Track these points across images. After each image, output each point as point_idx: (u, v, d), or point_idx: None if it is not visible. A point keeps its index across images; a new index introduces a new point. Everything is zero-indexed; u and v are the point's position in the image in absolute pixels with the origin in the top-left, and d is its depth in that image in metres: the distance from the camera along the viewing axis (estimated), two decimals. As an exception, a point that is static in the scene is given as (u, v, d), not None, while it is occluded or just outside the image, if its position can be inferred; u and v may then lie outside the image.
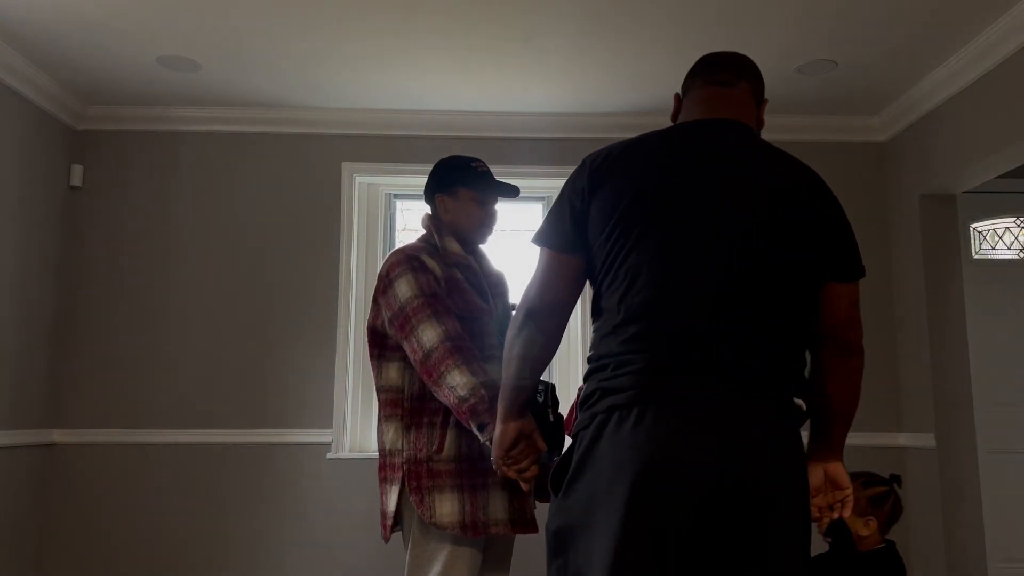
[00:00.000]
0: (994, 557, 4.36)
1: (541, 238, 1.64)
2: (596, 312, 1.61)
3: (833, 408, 1.63)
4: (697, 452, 1.41)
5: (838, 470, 1.68)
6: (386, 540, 2.17)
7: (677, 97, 1.77)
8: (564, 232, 1.60)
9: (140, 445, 4.04)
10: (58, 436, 4.02)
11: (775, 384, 1.49)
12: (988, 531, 4.37)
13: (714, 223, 1.50)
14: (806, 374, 1.63)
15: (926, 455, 3.89)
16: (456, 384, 1.95)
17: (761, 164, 1.56)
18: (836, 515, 1.69)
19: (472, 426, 1.96)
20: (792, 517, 1.45)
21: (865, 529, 2.10)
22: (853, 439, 3.92)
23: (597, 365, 1.55)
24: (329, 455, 4.03)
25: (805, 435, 1.97)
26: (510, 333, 1.70)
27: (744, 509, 1.42)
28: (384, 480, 2.13)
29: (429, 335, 2.01)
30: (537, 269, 1.64)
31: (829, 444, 1.67)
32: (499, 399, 1.79)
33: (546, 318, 1.63)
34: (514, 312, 1.71)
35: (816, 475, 1.68)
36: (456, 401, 1.95)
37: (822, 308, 1.58)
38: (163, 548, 3.98)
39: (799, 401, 1.55)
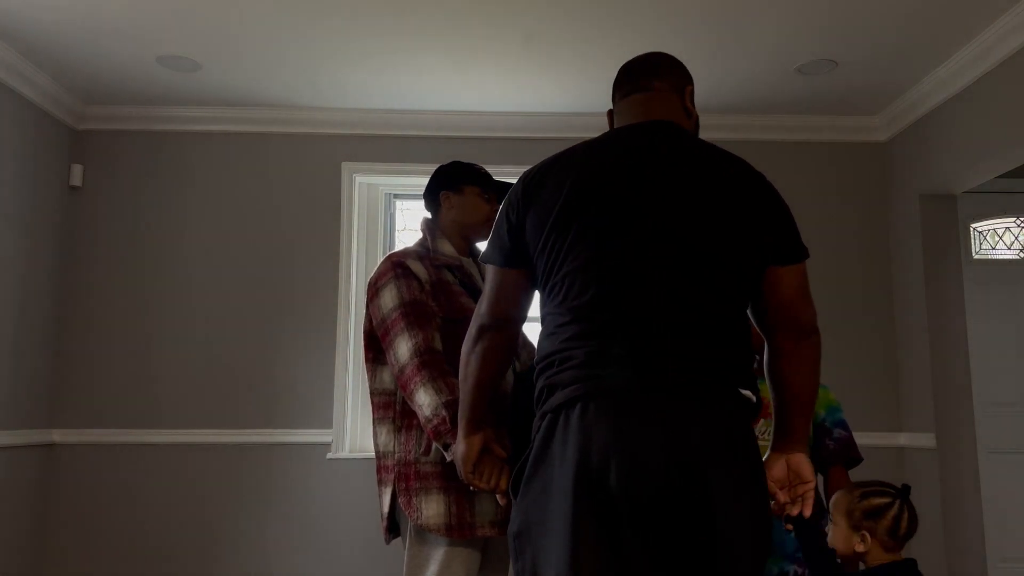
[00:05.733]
0: (994, 557, 4.36)
1: (485, 255, 1.69)
2: (542, 317, 1.64)
3: (792, 392, 1.62)
4: (640, 443, 1.42)
5: (801, 461, 1.65)
6: (387, 542, 2.19)
7: (610, 113, 1.80)
8: (504, 247, 1.65)
9: (140, 445, 4.04)
10: (58, 436, 4.02)
11: (720, 374, 1.49)
12: (988, 531, 4.37)
13: (646, 219, 1.52)
14: (759, 365, 1.63)
15: (926, 455, 3.89)
16: (422, 403, 1.99)
17: (688, 157, 1.58)
18: (796, 511, 1.66)
19: (438, 446, 2.00)
20: (740, 506, 1.44)
21: (861, 545, 1.94)
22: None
23: (544, 364, 1.57)
24: (329, 455, 4.03)
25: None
26: (465, 348, 1.75)
27: (690, 499, 1.42)
28: (380, 482, 2.17)
29: (402, 349, 2.05)
30: (486, 285, 1.70)
31: (789, 433, 1.65)
32: (459, 415, 1.84)
33: (498, 332, 1.70)
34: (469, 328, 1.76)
35: (779, 467, 1.65)
36: (423, 420, 2.00)
37: (769, 293, 1.59)
38: (163, 548, 3.98)
39: (747, 392, 1.55)
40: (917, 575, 1.95)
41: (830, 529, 2.02)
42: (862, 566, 2.00)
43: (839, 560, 2.02)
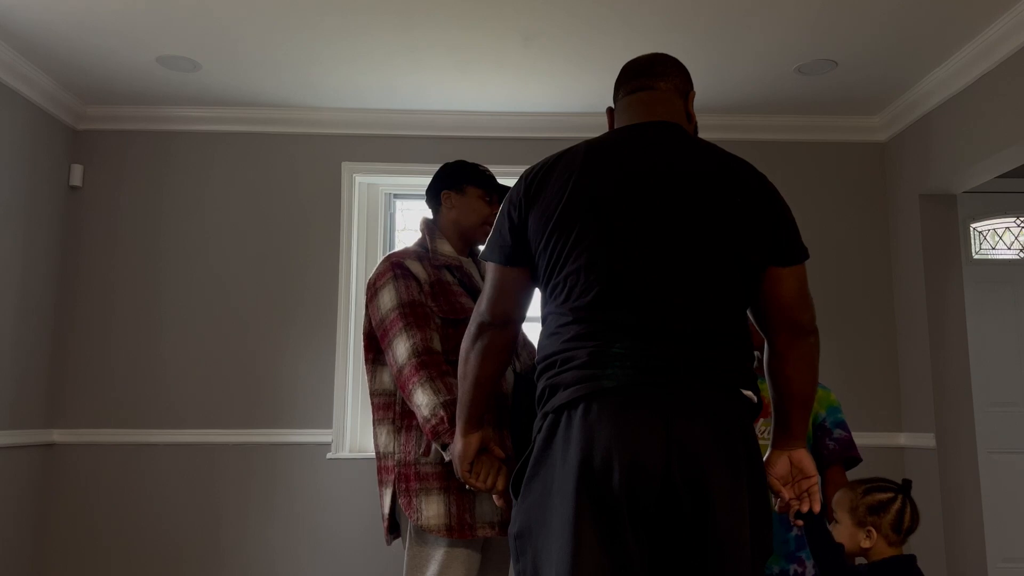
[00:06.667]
0: (994, 557, 4.37)
1: (486, 254, 1.69)
2: (543, 317, 1.64)
3: (791, 390, 1.64)
4: (642, 444, 1.43)
5: (802, 456, 1.68)
6: (388, 543, 2.19)
7: (610, 110, 1.80)
8: (505, 246, 1.65)
9: (140, 445, 4.04)
10: (58, 436, 4.02)
11: (721, 373, 1.50)
12: (988, 531, 4.37)
13: (648, 219, 1.53)
14: (759, 364, 1.64)
15: (926, 455, 3.89)
16: (420, 403, 1.99)
17: (688, 157, 1.58)
18: (805, 508, 1.68)
19: (436, 445, 2.00)
20: (740, 506, 1.45)
21: (866, 540, 1.97)
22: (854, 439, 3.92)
23: (546, 364, 1.58)
24: (329, 455, 4.03)
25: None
26: (464, 346, 1.76)
27: (691, 499, 1.43)
28: (380, 483, 2.17)
29: (400, 350, 2.05)
30: (486, 283, 1.70)
31: (790, 430, 1.68)
32: (457, 413, 1.84)
33: (497, 330, 1.69)
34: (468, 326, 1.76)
35: (781, 464, 1.69)
36: (421, 420, 2.00)
37: (769, 293, 1.60)
38: (162, 548, 3.98)
39: (748, 392, 1.56)
40: (917, 571, 1.97)
41: (833, 528, 2.04)
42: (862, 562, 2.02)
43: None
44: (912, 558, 1.98)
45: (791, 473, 1.69)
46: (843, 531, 2.00)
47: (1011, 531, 4.41)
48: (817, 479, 1.69)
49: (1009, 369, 4.52)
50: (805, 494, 1.68)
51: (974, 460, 3.81)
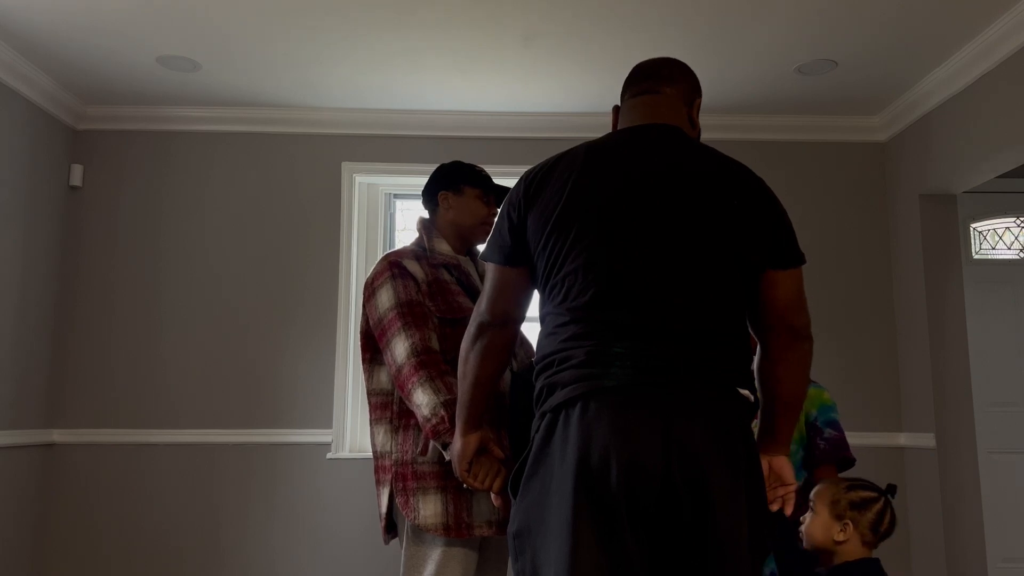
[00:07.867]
0: (994, 557, 4.37)
1: (486, 254, 1.70)
2: (542, 318, 1.64)
3: (780, 392, 1.64)
4: (640, 443, 1.43)
5: (783, 464, 1.68)
6: (385, 542, 2.19)
7: (616, 108, 1.80)
8: (504, 246, 1.66)
9: (140, 445, 4.04)
10: (58, 436, 4.02)
11: (719, 374, 1.51)
12: (988, 531, 4.37)
13: (647, 220, 1.53)
14: (753, 366, 1.64)
15: (926, 455, 3.89)
16: (421, 403, 1.99)
17: (688, 159, 1.59)
18: (776, 508, 1.68)
19: (437, 445, 2.00)
20: (738, 505, 1.45)
21: (841, 534, 1.96)
22: (853, 439, 3.92)
23: (544, 364, 1.58)
24: (329, 455, 4.03)
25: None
26: (464, 346, 1.76)
27: (689, 498, 1.44)
28: (378, 482, 2.17)
29: (399, 349, 2.05)
30: (486, 283, 1.71)
31: (775, 436, 1.67)
32: (456, 414, 1.85)
33: (497, 330, 1.70)
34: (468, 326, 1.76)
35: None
36: (422, 420, 2.00)
37: (765, 296, 1.60)
38: (162, 548, 3.98)
39: (745, 392, 1.56)
40: (882, 573, 1.98)
41: (807, 518, 2.02)
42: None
43: (811, 550, 2.03)
44: (877, 561, 1.98)
45: (769, 479, 1.68)
46: (818, 522, 1.99)
47: (1011, 531, 4.41)
48: (794, 488, 1.68)
49: (1009, 369, 4.52)
50: (780, 498, 1.68)
51: (974, 460, 3.81)
